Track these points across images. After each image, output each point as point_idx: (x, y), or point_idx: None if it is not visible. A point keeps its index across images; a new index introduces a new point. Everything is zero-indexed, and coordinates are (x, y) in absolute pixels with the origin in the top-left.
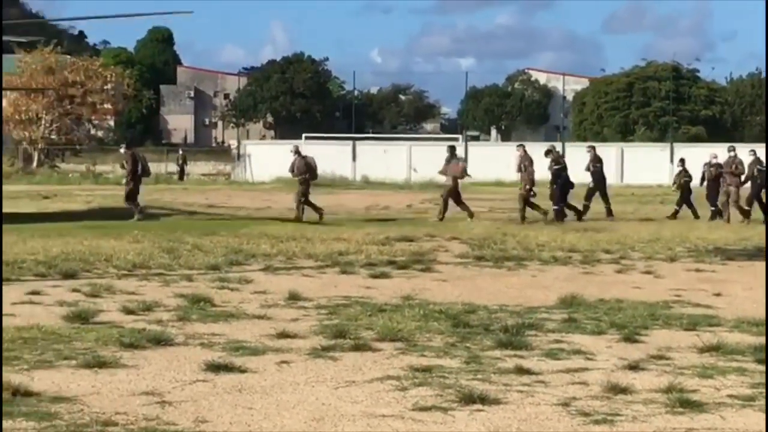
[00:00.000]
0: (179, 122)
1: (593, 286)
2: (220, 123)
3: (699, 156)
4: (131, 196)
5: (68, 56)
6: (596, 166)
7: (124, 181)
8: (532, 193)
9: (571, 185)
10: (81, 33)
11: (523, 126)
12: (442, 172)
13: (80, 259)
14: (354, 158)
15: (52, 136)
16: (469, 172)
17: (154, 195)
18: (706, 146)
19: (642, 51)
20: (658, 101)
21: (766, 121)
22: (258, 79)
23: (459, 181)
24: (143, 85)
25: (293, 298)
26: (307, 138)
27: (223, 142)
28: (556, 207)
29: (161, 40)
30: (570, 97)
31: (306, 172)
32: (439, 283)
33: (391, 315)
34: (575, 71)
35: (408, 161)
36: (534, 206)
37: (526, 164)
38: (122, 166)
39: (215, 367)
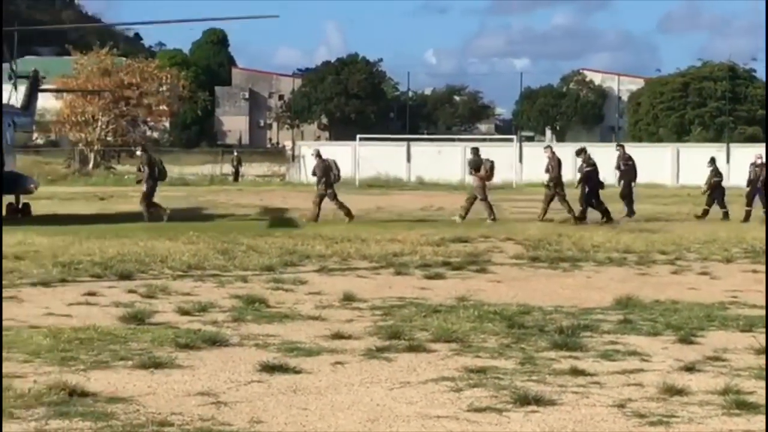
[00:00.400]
0: (234, 123)
1: (649, 288)
2: (274, 124)
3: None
4: (147, 198)
5: (124, 58)
6: (627, 164)
7: (139, 182)
8: (559, 192)
9: (602, 185)
10: (136, 35)
11: (578, 126)
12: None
13: (136, 260)
14: (408, 159)
15: (108, 138)
16: (497, 171)
17: (208, 196)
18: (763, 147)
19: (698, 51)
20: (714, 101)
21: (766, 122)
22: (312, 80)
23: (486, 181)
24: (198, 87)
25: (348, 299)
26: (361, 139)
27: (277, 143)
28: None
29: (216, 41)
30: (625, 97)
31: (324, 175)
32: (493, 284)
33: (446, 316)
34: (630, 71)
35: (462, 162)
36: (547, 207)
37: (553, 165)
38: (139, 169)
39: (270, 368)
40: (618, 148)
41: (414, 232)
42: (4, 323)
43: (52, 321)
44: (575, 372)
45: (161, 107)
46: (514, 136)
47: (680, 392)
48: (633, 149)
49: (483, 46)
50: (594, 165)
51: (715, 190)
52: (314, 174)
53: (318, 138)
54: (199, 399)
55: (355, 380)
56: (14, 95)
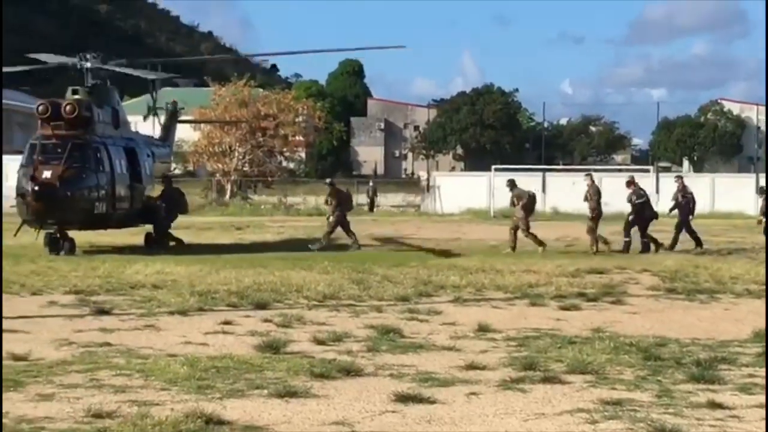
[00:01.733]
0: (369, 154)
1: None
2: (409, 155)
3: None
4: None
5: (261, 89)
6: (686, 197)
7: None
8: (594, 220)
9: (655, 216)
10: (273, 66)
11: (716, 157)
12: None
13: (271, 290)
14: (544, 189)
15: (245, 168)
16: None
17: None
18: None
19: None
20: None
21: (767, 125)
22: (447, 110)
23: (528, 212)
24: (334, 118)
25: (482, 329)
26: (496, 170)
27: (412, 173)
28: (626, 238)
29: (352, 72)
30: (764, 127)
31: (339, 204)
32: (629, 315)
33: (581, 347)
34: None
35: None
36: (594, 235)
37: (591, 194)
38: (327, 202)
39: (404, 398)
40: (677, 180)
41: (549, 262)
42: (143, 351)
43: (189, 349)
44: (713, 405)
45: (297, 138)
46: (650, 167)
47: None
48: None
49: (620, 76)
50: (646, 197)
51: None
52: (326, 202)
53: (453, 169)
54: (333, 428)
55: (490, 411)
56: (154, 126)
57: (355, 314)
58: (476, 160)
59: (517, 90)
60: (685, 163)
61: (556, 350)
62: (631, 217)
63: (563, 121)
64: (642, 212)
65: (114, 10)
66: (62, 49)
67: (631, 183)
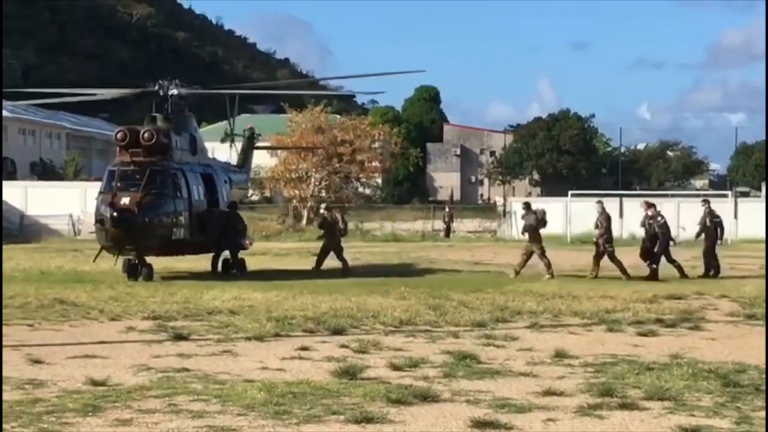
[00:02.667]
0: (445, 180)
1: None
2: (486, 180)
3: None
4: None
5: (337, 116)
6: (714, 221)
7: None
8: (608, 247)
9: (673, 242)
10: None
11: None
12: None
13: (348, 316)
14: (621, 215)
15: (321, 194)
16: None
17: (420, 252)
18: None
19: None
20: None
21: (766, 129)
22: (524, 136)
23: (539, 234)
24: (410, 143)
25: (559, 355)
26: (573, 195)
27: (488, 199)
28: (654, 265)
29: (428, 98)
30: None
31: (330, 229)
32: (708, 341)
33: (659, 373)
34: None
35: (676, 218)
36: (613, 259)
37: (601, 221)
38: (320, 226)
39: (481, 424)
40: (704, 204)
41: (626, 288)
42: (220, 376)
43: (266, 375)
44: None
45: (374, 164)
46: (728, 192)
47: None
48: None
49: (698, 101)
50: (664, 222)
51: None
52: (320, 227)
53: (529, 194)
54: None
55: None
56: (232, 152)
57: (432, 340)
58: (553, 185)
59: (593, 115)
60: (764, 188)
61: (633, 376)
62: (646, 244)
63: (640, 146)
64: (663, 236)
65: (191, 37)
66: (140, 77)
67: (651, 206)
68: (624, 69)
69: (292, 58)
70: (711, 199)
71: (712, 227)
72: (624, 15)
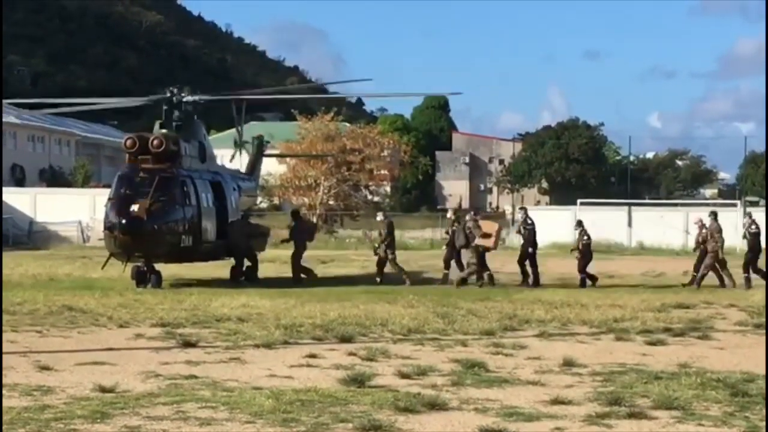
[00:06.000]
0: (454, 188)
1: None
2: (494, 188)
3: None
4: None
5: (347, 124)
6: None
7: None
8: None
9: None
10: (359, 100)
11: None
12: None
13: (356, 324)
14: (629, 224)
15: (330, 202)
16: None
17: (429, 260)
18: None
19: None
20: None
21: (766, 131)
22: (533, 144)
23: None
24: (419, 152)
25: (568, 364)
26: (581, 204)
27: (497, 207)
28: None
29: (437, 107)
30: None
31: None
32: (716, 351)
33: (668, 383)
34: None
35: (685, 227)
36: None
37: (712, 232)
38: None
39: None
40: (746, 215)
41: (635, 297)
42: (229, 383)
43: (275, 382)
44: None
45: (383, 172)
46: (738, 201)
47: None
48: None
49: (709, 110)
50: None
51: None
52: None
53: (538, 203)
54: None
55: None
56: (240, 160)
57: (440, 348)
58: (561, 194)
59: (602, 124)
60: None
61: (642, 385)
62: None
63: (650, 155)
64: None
65: (201, 45)
66: (149, 84)
67: (714, 214)
68: (636, 78)
69: (307, 67)
70: (719, 209)
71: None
72: (639, 24)
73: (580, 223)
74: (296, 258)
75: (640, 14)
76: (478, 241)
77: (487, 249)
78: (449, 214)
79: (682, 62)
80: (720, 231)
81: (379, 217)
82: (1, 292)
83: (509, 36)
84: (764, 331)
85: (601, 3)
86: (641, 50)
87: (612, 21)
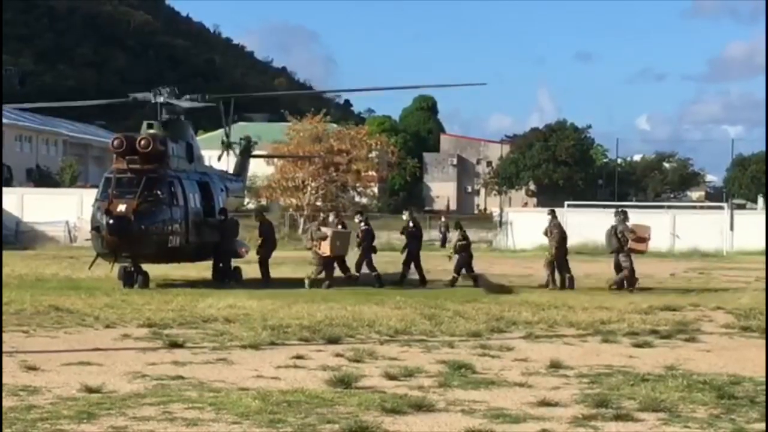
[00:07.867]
0: (442, 189)
1: None
2: (482, 190)
3: None
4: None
5: (335, 125)
6: None
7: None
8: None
9: None
10: (347, 101)
11: None
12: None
13: (344, 325)
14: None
15: (318, 203)
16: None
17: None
18: None
19: None
20: None
21: (766, 132)
22: (520, 146)
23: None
24: (407, 153)
25: (554, 366)
26: (569, 206)
27: (485, 209)
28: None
29: (426, 108)
30: None
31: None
32: (703, 353)
33: (654, 385)
34: None
35: (672, 229)
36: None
37: (550, 228)
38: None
39: None
40: None
41: (622, 299)
42: (215, 384)
43: (261, 383)
44: None
45: (370, 173)
46: (725, 204)
47: None
48: None
49: (698, 113)
50: None
51: None
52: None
53: (525, 204)
54: None
55: None
56: (228, 161)
57: (427, 349)
58: (549, 196)
59: (590, 126)
60: (760, 200)
61: (628, 387)
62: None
63: (637, 158)
64: None
65: (189, 45)
66: (138, 84)
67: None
68: (626, 80)
69: (297, 68)
70: (706, 212)
71: None
72: (631, 26)
73: (552, 212)
74: (265, 258)
75: (634, 16)
76: (632, 245)
77: (641, 252)
78: (405, 216)
79: (673, 65)
80: (559, 227)
81: (357, 218)
82: (0, 293)
83: (501, 38)
84: (751, 334)
85: (593, 4)
86: (633, 52)
87: (604, 23)
